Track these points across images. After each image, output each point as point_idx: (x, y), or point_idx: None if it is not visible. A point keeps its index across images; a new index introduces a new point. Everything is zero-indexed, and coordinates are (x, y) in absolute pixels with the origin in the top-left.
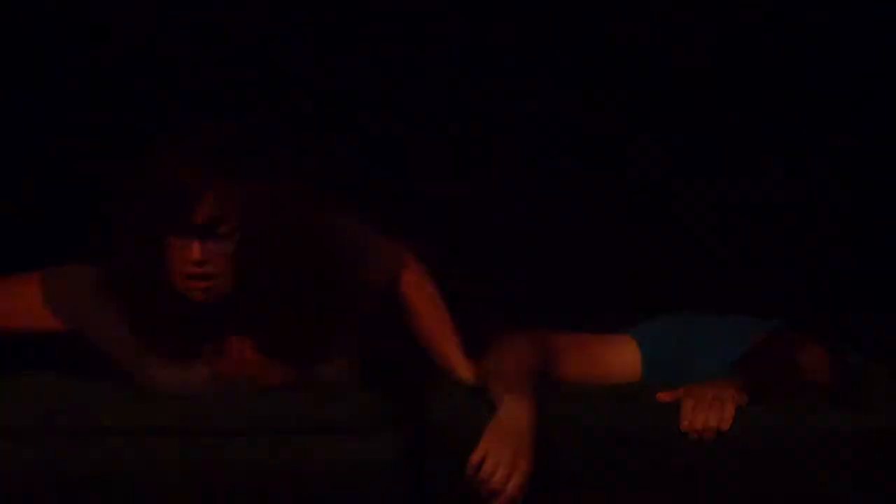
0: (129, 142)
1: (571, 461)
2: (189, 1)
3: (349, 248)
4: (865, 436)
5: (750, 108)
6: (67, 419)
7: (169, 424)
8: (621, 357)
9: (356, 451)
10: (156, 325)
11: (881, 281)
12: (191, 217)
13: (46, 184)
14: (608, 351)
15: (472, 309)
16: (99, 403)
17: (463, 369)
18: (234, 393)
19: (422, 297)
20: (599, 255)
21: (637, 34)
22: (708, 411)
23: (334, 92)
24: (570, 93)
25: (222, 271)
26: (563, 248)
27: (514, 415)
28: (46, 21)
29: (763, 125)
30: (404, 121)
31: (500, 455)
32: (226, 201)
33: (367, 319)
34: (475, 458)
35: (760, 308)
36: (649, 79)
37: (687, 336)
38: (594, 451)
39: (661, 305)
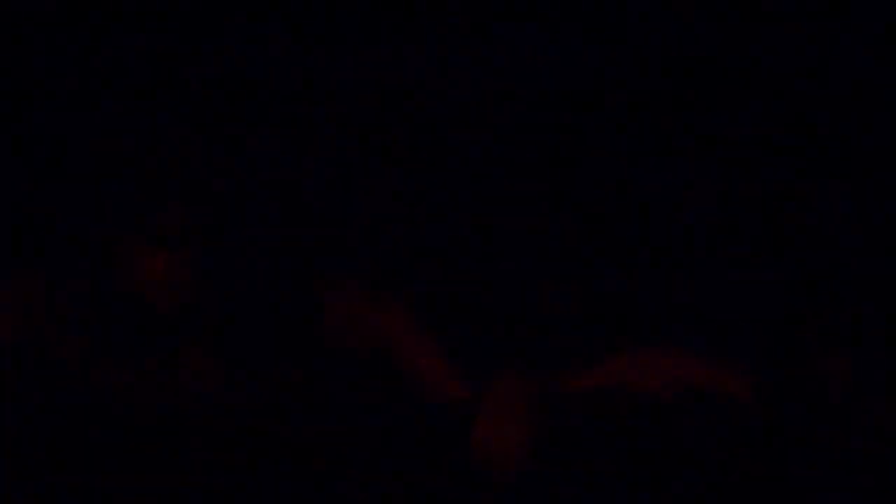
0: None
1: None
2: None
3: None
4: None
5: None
6: None
7: None
8: None
9: None
10: (114, 332)
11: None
12: (160, 227)
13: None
14: None
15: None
16: None
17: (450, 385)
18: None
19: (397, 330)
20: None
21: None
22: None
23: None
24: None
25: (185, 282)
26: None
27: (502, 390)
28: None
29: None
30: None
31: (501, 426)
32: (194, 213)
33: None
34: (478, 434)
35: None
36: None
37: None
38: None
39: (657, 311)
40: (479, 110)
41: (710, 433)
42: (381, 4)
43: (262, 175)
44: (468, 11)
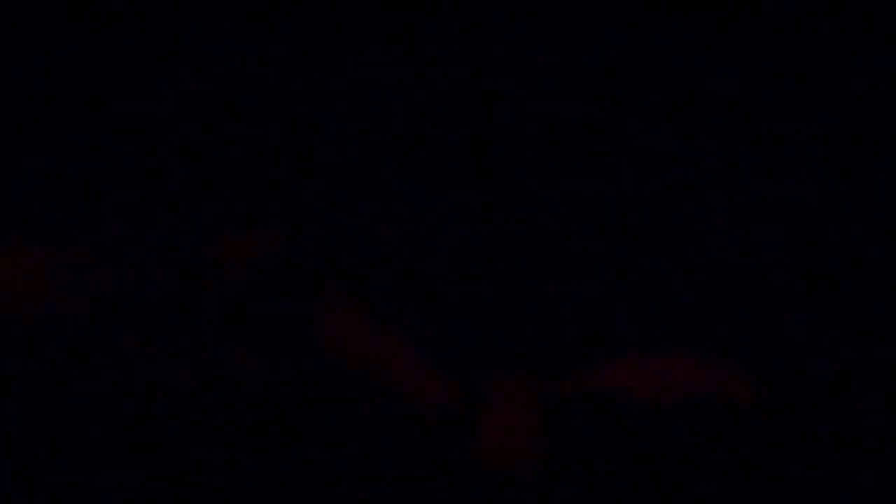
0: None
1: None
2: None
3: None
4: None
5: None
6: None
7: None
8: None
9: None
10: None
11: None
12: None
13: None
14: None
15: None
16: None
17: (431, 391)
18: None
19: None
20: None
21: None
22: None
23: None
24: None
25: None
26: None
27: (506, 393)
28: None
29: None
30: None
31: (506, 428)
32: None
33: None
34: (486, 435)
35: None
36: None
37: None
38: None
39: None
40: (475, 111)
41: (710, 435)
42: (382, 4)
43: (264, 180)
44: (468, 11)
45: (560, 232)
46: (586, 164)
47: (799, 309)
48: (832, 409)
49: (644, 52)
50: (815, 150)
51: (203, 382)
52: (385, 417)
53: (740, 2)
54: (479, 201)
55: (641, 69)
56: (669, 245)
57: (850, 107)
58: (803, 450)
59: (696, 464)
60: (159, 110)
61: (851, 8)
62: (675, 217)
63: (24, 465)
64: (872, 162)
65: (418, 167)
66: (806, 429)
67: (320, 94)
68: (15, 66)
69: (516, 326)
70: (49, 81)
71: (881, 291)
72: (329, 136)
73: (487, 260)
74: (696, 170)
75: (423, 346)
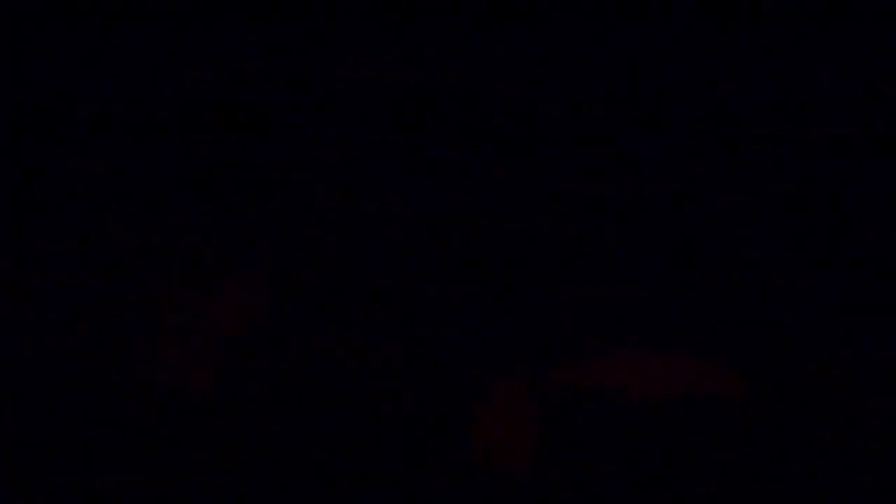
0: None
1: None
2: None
3: None
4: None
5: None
6: None
7: None
8: None
9: None
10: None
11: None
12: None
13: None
14: None
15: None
16: None
17: (432, 392)
18: None
19: None
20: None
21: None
22: None
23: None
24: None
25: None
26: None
27: (503, 391)
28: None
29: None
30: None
31: (502, 426)
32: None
33: None
34: (485, 435)
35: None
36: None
37: None
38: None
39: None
40: (475, 111)
41: (709, 433)
42: (381, 4)
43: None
44: (468, 11)
45: (559, 231)
46: (586, 164)
47: (798, 308)
48: (832, 409)
49: (644, 52)
50: (815, 150)
51: (204, 382)
52: (385, 418)
53: (740, 2)
54: (479, 201)
55: (641, 69)
56: (669, 244)
57: (850, 107)
58: (803, 449)
59: (695, 463)
60: (159, 110)
61: (851, 8)
62: (675, 216)
63: (25, 465)
64: (872, 162)
65: (418, 167)
66: (805, 428)
67: (320, 94)
68: (15, 66)
69: (516, 326)
70: (49, 81)
71: (881, 291)
72: (329, 136)
73: (486, 259)
74: (696, 170)
75: (423, 347)
